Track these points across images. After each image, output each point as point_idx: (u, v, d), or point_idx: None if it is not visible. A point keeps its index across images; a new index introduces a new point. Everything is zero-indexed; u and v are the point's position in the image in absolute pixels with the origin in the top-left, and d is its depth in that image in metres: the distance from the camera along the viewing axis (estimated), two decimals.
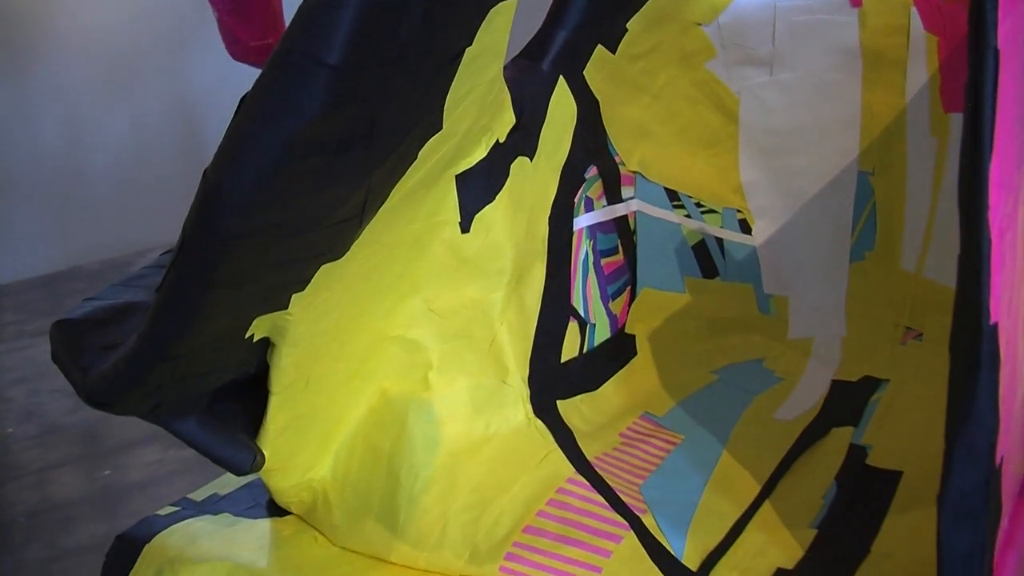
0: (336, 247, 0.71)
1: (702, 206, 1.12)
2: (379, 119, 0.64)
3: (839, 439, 0.94)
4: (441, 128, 0.73)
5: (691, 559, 0.78)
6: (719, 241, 1.12)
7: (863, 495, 0.86)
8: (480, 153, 0.85)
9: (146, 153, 3.03)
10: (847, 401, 0.99)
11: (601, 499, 0.85)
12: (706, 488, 0.88)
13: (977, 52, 0.59)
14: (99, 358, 0.72)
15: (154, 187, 3.04)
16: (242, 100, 0.60)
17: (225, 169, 0.60)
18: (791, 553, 0.79)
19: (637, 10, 1.00)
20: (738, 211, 1.12)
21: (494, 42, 0.74)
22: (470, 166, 0.84)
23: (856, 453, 0.91)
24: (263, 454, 0.80)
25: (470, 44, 0.70)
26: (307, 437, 0.84)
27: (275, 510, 0.91)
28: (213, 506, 0.93)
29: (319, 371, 0.80)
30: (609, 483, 0.87)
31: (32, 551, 1.83)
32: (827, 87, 1.05)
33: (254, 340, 0.73)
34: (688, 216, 1.12)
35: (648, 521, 0.83)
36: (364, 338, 0.84)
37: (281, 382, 0.77)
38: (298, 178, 0.61)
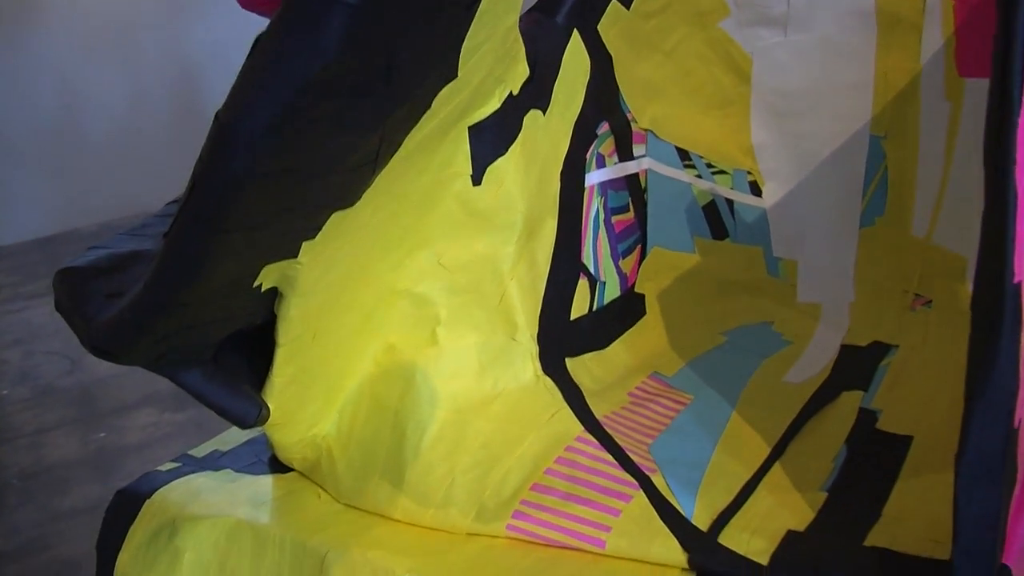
0: (348, 195, 0.70)
1: (713, 167, 1.11)
2: (396, 63, 0.62)
3: (849, 403, 0.93)
4: (456, 76, 0.72)
5: (701, 519, 0.77)
6: (729, 202, 1.11)
7: (874, 459, 0.85)
8: (494, 105, 0.83)
9: (143, 116, 3.02)
10: (856, 366, 0.99)
11: (610, 458, 0.84)
12: (716, 449, 0.87)
13: (1007, 7, 0.58)
14: (104, 306, 0.71)
15: (151, 150, 3.03)
16: (257, 40, 0.59)
17: (238, 110, 0.59)
18: (802, 515, 0.78)
19: None
20: (748, 173, 1.11)
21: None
22: (483, 117, 0.83)
23: (866, 417, 0.91)
24: (268, 407, 0.78)
25: None
26: (312, 392, 0.83)
27: (277, 466, 0.90)
28: (214, 462, 0.92)
29: (326, 324, 0.79)
30: (618, 442, 0.86)
31: (26, 513, 1.83)
32: (841, 49, 1.04)
33: (262, 290, 0.72)
34: (699, 176, 1.11)
35: (658, 481, 0.82)
36: (372, 291, 0.83)
37: (288, 334, 0.76)
38: (312, 121, 0.60)
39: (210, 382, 0.76)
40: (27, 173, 2.92)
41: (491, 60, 0.78)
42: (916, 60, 1.00)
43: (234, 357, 0.78)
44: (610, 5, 0.98)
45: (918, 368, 0.96)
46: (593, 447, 0.85)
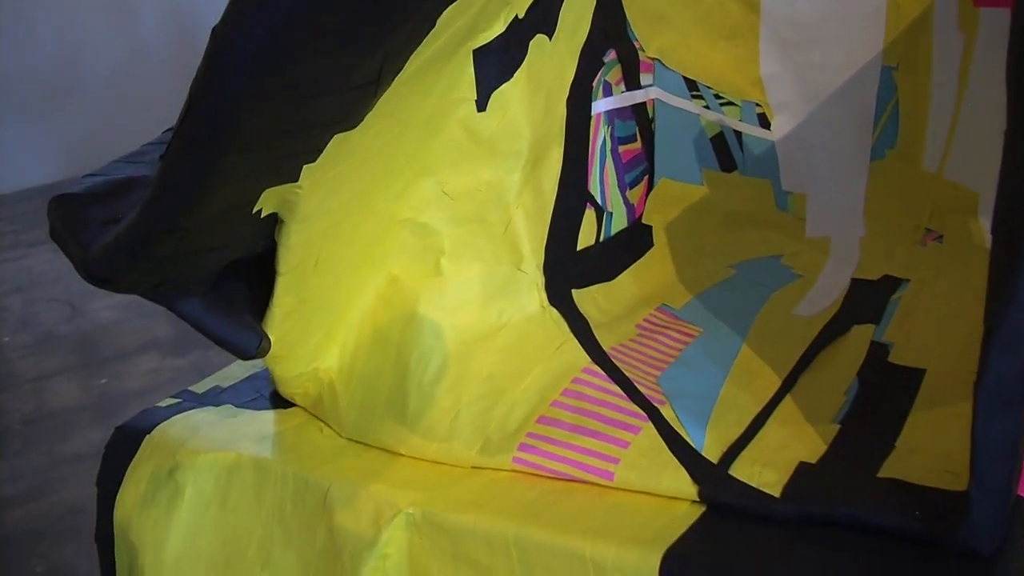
0: (350, 116, 0.68)
1: (721, 98, 1.09)
2: None
3: (860, 336, 0.91)
4: None
5: (711, 451, 0.76)
6: (738, 134, 1.09)
7: (886, 392, 0.84)
8: (498, 28, 0.81)
9: (142, 64, 2.99)
10: (867, 299, 0.97)
11: (617, 389, 0.82)
12: (726, 381, 0.85)
13: None
14: (100, 232, 0.69)
15: (150, 97, 3.01)
16: None
17: (236, 24, 0.56)
18: (814, 447, 0.76)
19: None
20: (757, 104, 1.09)
21: None
22: (487, 41, 0.80)
23: (878, 350, 0.89)
24: (268, 339, 0.77)
25: None
26: (313, 324, 0.82)
27: (279, 402, 0.89)
28: (215, 398, 0.91)
29: (328, 253, 0.77)
30: (626, 374, 0.84)
31: (29, 459, 1.83)
32: None
33: (262, 215, 0.70)
34: (707, 107, 1.09)
35: (667, 412, 0.80)
36: (374, 221, 0.81)
37: (289, 262, 0.74)
38: (313, 35, 0.58)
39: (209, 311, 0.74)
40: (26, 122, 2.90)
41: None
42: None
43: (234, 285, 0.76)
44: None
45: (930, 302, 0.95)
46: (600, 379, 0.83)
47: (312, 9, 0.56)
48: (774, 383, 0.85)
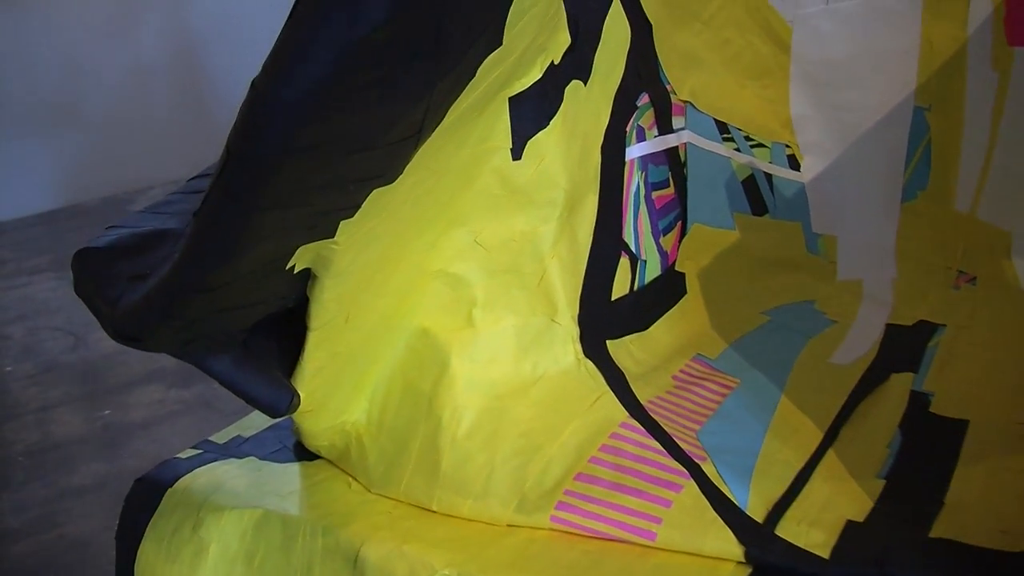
0: (390, 170, 0.66)
1: (751, 139, 1.07)
2: (444, 28, 0.58)
3: (900, 385, 0.90)
4: (501, 44, 0.68)
5: (756, 510, 0.74)
6: (768, 177, 1.08)
7: (930, 444, 0.82)
8: (535, 74, 0.79)
9: (145, 90, 2.98)
10: (904, 346, 0.95)
11: (657, 445, 0.80)
12: (766, 435, 0.83)
13: None
14: (128, 289, 0.67)
15: (153, 124, 3.00)
16: (298, 1, 0.55)
17: (277, 77, 0.54)
18: (860, 504, 0.74)
19: None
20: (787, 146, 1.07)
21: None
22: (524, 88, 0.79)
23: (918, 400, 0.87)
24: (299, 395, 0.75)
25: None
26: (343, 377, 0.80)
27: (304, 454, 0.87)
28: (237, 449, 0.89)
29: (359, 307, 0.76)
30: (665, 428, 0.82)
31: (33, 490, 1.81)
32: (885, 16, 1.00)
33: (295, 271, 0.68)
34: (738, 150, 1.07)
35: (708, 469, 0.78)
36: (406, 272, 0.80)
37: (321, 317, 0.72)
38: (357, 90, 0.56)
39: (240, 369, 0.72)
40: (29, 148, 2.89)
41: (536, 27, 0.74)
42: (963, 28, 0.97)
43: (263, 341, 0.75)
44: None
45: (968, 348, 0.93)
46: (639, 434, 0.81)
47: (355, 62, 0.54)
48: (816, 436, 0.83)
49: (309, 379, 0.75)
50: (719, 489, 0.76)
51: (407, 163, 0.67)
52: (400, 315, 0.82)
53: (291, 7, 0.56)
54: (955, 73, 0.98)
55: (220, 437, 0.92)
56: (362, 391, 0.83)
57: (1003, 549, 0.67)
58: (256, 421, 0.94)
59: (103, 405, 2.09)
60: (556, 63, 0.82)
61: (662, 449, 0.80)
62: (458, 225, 0.82)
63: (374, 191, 0.66)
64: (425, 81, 0.61)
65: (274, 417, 0.76)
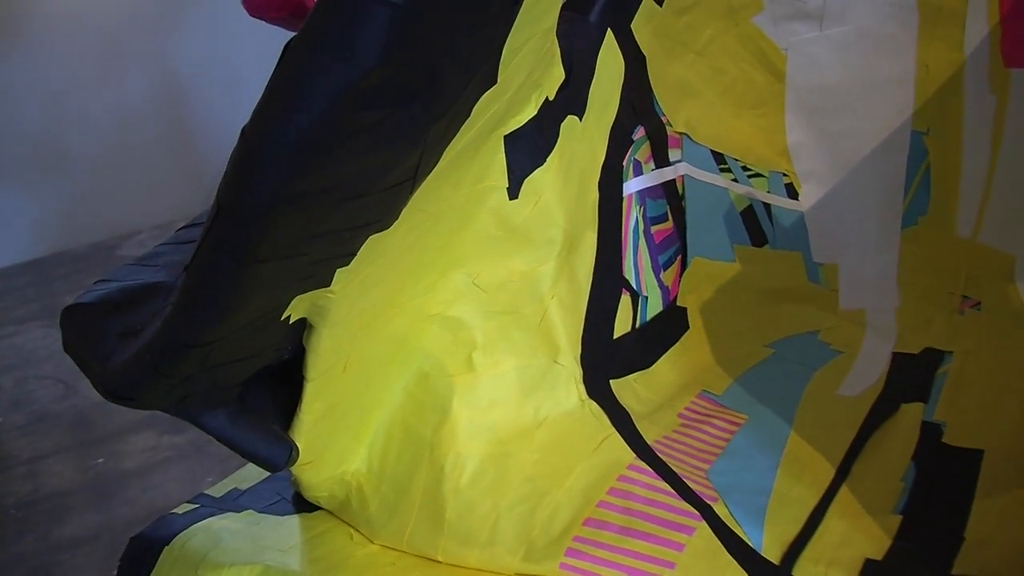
0: (386, 215, 0.64)
1: (749, 170, 1.06)
2: (439, 68, 0.57)
3: (910, 416, 0.88)
4: (496, 82, 0.66)
5: (771, 551, 0.72)
6: (767, 207, 1.06)
7: (945, 477, 0.80)
8: (530, 111, 0.78)
9: (130, 137, 2.97)
10: (912, 375, 0.94)
11: (667, 487, 0.78)
12: (778, 473, 0.82)
13: None
14: (119, 346, 0.65)
15: (138, 170, 2.98)
16: (288, 46, 0.53)
17: (269, 125, 0.53)
18: (878, 542, 0.73)
19: None
20: (784, 175, 1.06)
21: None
22: (519, 126, 0.77)
23: (930, 431, 0.86)
24: (297, 448, 0.73)
25: None
26: (341, 427, 0.78)
27: (303, 505, 0.85)
28: (234, 502, 0.87)
29: (357, 354, 0.74)
30: (673, 469, 0.81)
31: (26, 544, 1.78)
32: (880, 42, 0.99)
33: (290, 322, 0.66)
34: (735, 180, 1.06)
35: (720, 510, 0.76)
36: (404, 318, 0.78)
37: (318, 367, 0.70)
38: (351, 135, 0.54)
39: (236, 425, 0.70)
40: (13, 194, 2.87)
41: (530, 63, 0.73)
42: (959, 51, 0.96)
43: (258, 394, 0.73)
44: (643, 2, 0.92)
45: (977, 376, 0.91)
46: (647, 476, 0.79)
47: (348, 107, 0.53)
48: (828, 472, 0.81)
49: (307, 430, 0.73)
50: (732, 531, 0.74)
51: (403, 208, 0.65)
52: (398, 361, 0.80)
53: (280, 52, 0.54)
54: (952, 96, 0.97)
55: (216, 490, 0.89)
56: (361, 440, 0.81)
57: None
58: (252, 473, 0.92)
59: (95, 454, 2.06)
60: (551, 99, 0.80)
61: (672, 491, 0.78)
62: (455, 267, 0.80)
63: (370, 238, 0.64)
64: (420, 124, 0.59)
65: (273, 472, 0.74)
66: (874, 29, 0.99)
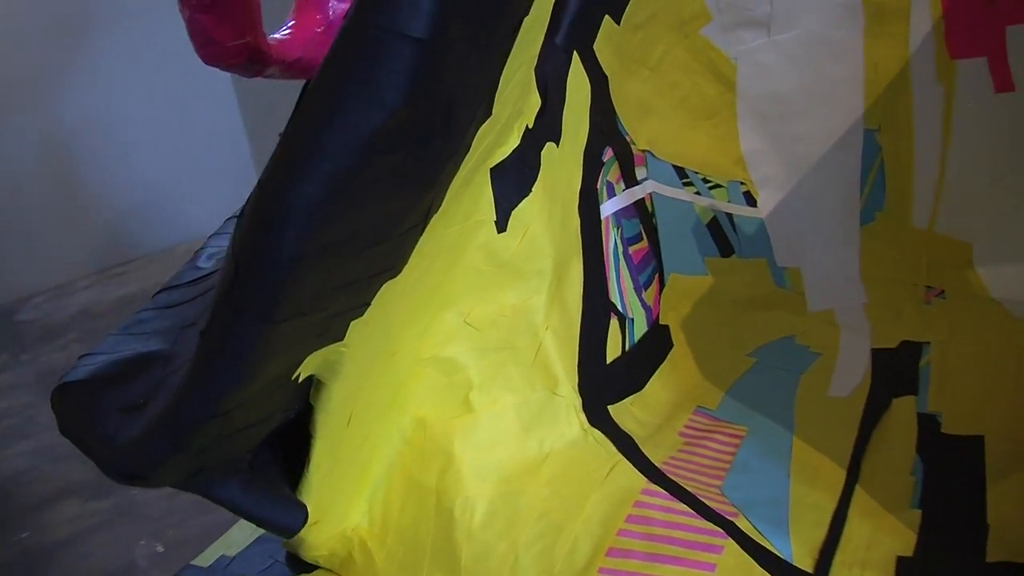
0: (399, 261, 0.62)
1: (708, 181, 1.06)
2: (455, 104, 0.55)
3: (905, 410, 0.88)
4: (491, 114, 0.64)
5: (802, 560, 0.72)
6: (730, 217, 1.06)
7: (953, 466, 0.81)
8: (514, 142, 0.76)
9: (16, 198, 2.87)
10: (896, 369, 0.94)
11: (685, 507, 0.77)
12: (790, 481, 0.81)
13: None
14: (123, 423, 0.61)
15: (27, 232, 2.89)
16: (305, 89, 0.51)
17: (290, 177, 0.50)
18: (904, 538, 0.73)
19: None
20: (742, 183, 1.06)
21: (543, 10, 0.65)
22: (505, 157, 0.75)
23: (928, 423, 0.86)
24: (307, 510, 0.70)
25: (527, 12, 0.61)
26: (344, 481, 0.75)
27: (298, 566, 0.81)
28: (224, 571, 0.84)
29: (361, 406, 0.71)
30: (688, 489, 0.80)
31: None
32: (828, 45, 1.00)
33: (300, 380, 0.64)
34: (698, 193, 1.06)
35: (743, 524, 0.75)
36: (399, 364, 0.75)
37: (327, 424, 0.68)
38: (374, 180, 0.52)
39: (248, 493, 0.67)
40: None
41: (517, 92, 0.71)
42: (905, 47, 0.97)
43: (264, 458, 0.70)
44: (604, 21, 0.92)
45: (959, 363, 0.92)
46: (663, 498, 0.78)
47: (378, 152, 0.51)
48: (839, 475, 0.81)
49: (315, 490, 0.70)
50: (760, 544, 0.73)
51: (412, 252, 0.63)
52: (394, 409, 0.78)
53: (297, 99, 0.52)
54: (901, 92, 0.99)
55: (203, 560, 0.86)
56: (361, 493, 0.78)
57: None
58: (238, 537, 0.89)
59: (20, 528, 1.98)
60: (531, 127, 0.79)
61: (691, 511, 0.77)
62: (447, 307, 0.78)
63: (383, 286, 0.62)
64: (437, 163, 0.57)
65: (288, 538, 0.71)
66: (821, 33, 0.99)
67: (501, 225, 0.78)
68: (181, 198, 2.92)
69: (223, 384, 0.57)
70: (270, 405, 0.64)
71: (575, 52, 0.87)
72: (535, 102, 0.79)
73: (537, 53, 0.73)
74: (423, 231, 0.62)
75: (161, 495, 1.73)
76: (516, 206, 0.79)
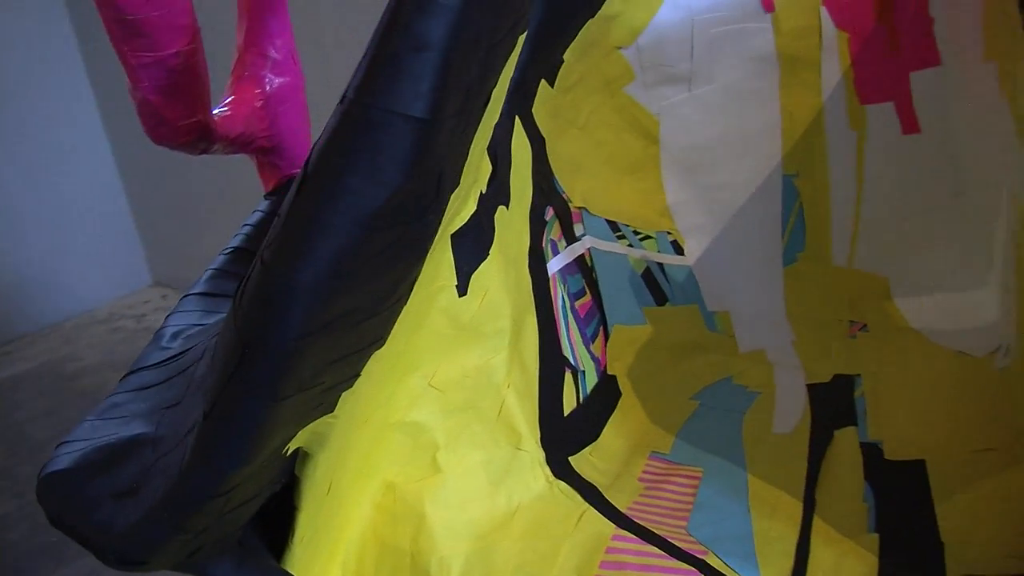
0: (386, 332, 0.64)
1: (639, 233, 1.09)
2: (443, 177, 0.57)
3: (848, 441, 0.92)
4: (459, 183, 0.67)
5: None
6: (661, 266, 1.10)
7: (900, 490, 0.85)
8: (471, 207, 0.79)
9: None
10: (833, 402, 0.98)
11: (656, 550, 0.79)
12: (751, 516, 0.84)
13: None
14: (118, 510, 0.61)
15: None
16: (308, 170, 0.53)
17: (296, 256, 0.52)
18: (867, 562, 0.76)
19: (573, 38, 0.97)
20: (669, 233, 1.10)
21: (504, 81, 0.68)
22: (464, 222, 0.78)
23: (871, 451, 0.90)
24: None
25: (495, 84, 0.64)
26: (320, 550, 0.76)
27: None
28: None
29: (339, 475, 0.72)
30: (655, 532, 0.82)
31: None
32: (746, 96, 1.04)
33: (288, 454, 0.65)
34: (631, 245, 1.09)
35: (714, 561, 0.78)
36: (369, 430, 0.77)
37: (310, 494, 0.69)
38: (375, 256, 0.54)
39: (241, 570, 0.67)
40: None
41: (475, 161, 0.74)
42: (818, 95, 1.02)
43: (250, 533, 0.70)
44: (540, 85, 0.95)
45: (892, 392, 0.97)
46: (634, 542, 0.80)
47: (380, 228, 0.52)
48: (796, 507, 0.84)
49: (297, 559, 0.71)
50: None
51: (395, 322, 0.65)
52: (364, 474, 0.79)
53: (299, 178, 0.54)
54: (816, 138, 1.03)
55: None
56: (335, 559, 0.79)
57: (1020, 573, 0.70)
58: None
59: None
60: (484, 192, 0.82)
61: (662, 552, 0.79)
62: (412, 371, 0.80)
63: (372, 355, 0.63)
64: (428, 235, 0.59)
65: None
66: (739, 85, 1.04)
67: (462, 289, 0.80)
68: (66, 274, 2.88)
69: (228, 463, 0.58)
70: (264, 480, 0.64)
71: (516, 117, 0.90)
72: (487, 167, 0.82)
73: (495, 123, 0.76)
74: (407, 301, 0.64)
75: None
76: (475, 269, 0.81)
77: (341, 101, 0.53)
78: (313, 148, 0.54)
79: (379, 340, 0.63)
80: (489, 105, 0.64)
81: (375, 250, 0.54)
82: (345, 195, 0.51)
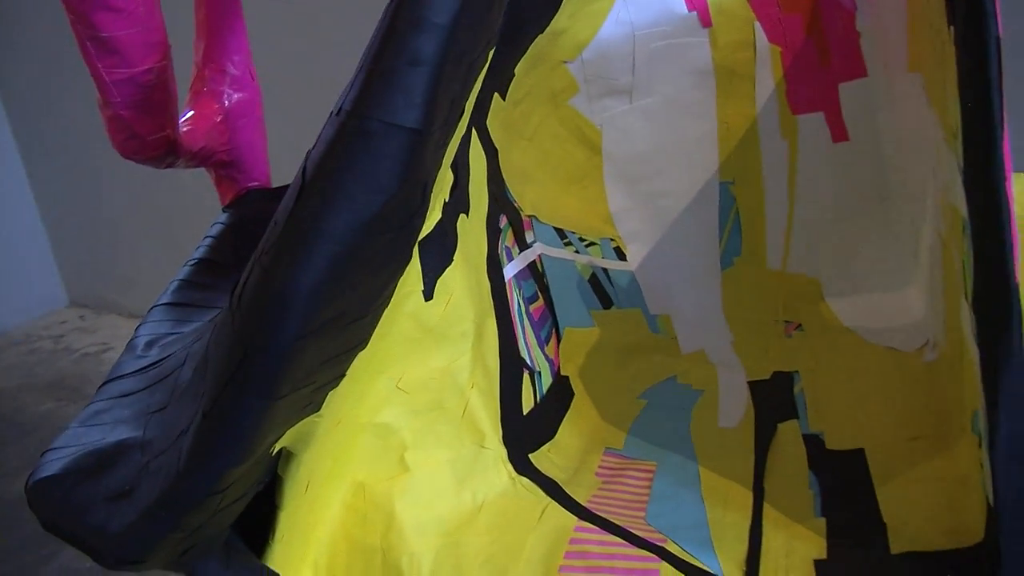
0: (371, 333, 0.67)
1: (584, 239, 1.13)
2: (428, 185, 0.60)
3: (790, 433, 0.97)
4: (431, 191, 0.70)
5: (732, 573, 0.79)
6: (605, 271, 1.14)
7: (842, 477, 0.89)
8: (436, 215, 0.82)
9: None
10: (774, 398, 1.03)
11: (617, 539, 0.83)
12: (705, 505, 0.88)
13: (980, 33, 0.63)
14: (113, 512, 0.63)
15: None
16: (307, 179, 0.55)
17: (296, 262, 0.55)
18: (817, 544, 0.81)
19: (524, 53, 1.00)
20: (612, 240, 1.14)
21: (474, 95, 0.72)
22: (430, 230, 0.81)
23: (814, 442, 0.95)
24: None
25: (468, 98, 0.68)
26: (294, 549, 0.78)
27: None
28: None
29: (317, 474, 0.75)
30: (616, 522, 0.86)
31: None
32: (685, 107, 1.09)
33: (273, 453, 0.67)
34: (577, 252, 1.13)
35: (673, 548, 0.82)
36: (341, 431, 0.79)
37: (291, 493, 0.71)
38: (366, 261, 0.57)
39: (229, 568, 0.70)
40: None
41: (443, 171, 0.77)
42: (752, 106, 1.07)
43: (234, 532, 0.72)
44: (493, 98, 0.98)
45: (828, 387, 1.01)
46: (596, 533, 0.84)
47: (374, 233, 0.56)
48: (747, 496, 0.89)
49: (277, 557, 0.73)
50: (692, 563, 0.80)
51: (377, 324, 0.68)
52: (334, 475, 0.81)
53: (295, 186, 0.56)
54: (751, 147, 1.08)
55: None
56: (306, 559, 0.81)
57: (958, 547, 0.75)
58: None
59: None
60: (447, 201, 0.85)
61: (623, 541, 0.83)
62: (380, 373, 0.83)
63: (357, 356, 0.66)
64: (413, 240, 0.62)
65: None
66: (678, 96, 1.08)
67: (428, 294, 0.83)
68: None
69: (225, 461, 0.60)
70: (252, 478, 0.67)
71: (473, 128, 0.93)
72: (449, 178, 0.85)
73: (463, 134, 0.79)
74: (388, 304, 0.67)
75: None
76: (440, 275, 0.84)
77: (336, 113, 0.56)
78: (308, 157, 0.57)
79: (365, 341, 0.66)
80: (460, 118, 0.68)
81: (368, 254, 0.57)
82: (343, 202, 0.54)
